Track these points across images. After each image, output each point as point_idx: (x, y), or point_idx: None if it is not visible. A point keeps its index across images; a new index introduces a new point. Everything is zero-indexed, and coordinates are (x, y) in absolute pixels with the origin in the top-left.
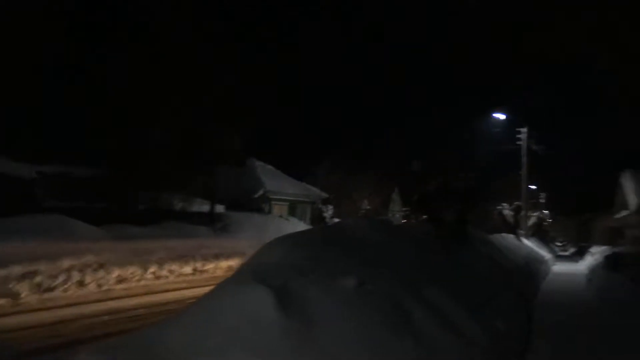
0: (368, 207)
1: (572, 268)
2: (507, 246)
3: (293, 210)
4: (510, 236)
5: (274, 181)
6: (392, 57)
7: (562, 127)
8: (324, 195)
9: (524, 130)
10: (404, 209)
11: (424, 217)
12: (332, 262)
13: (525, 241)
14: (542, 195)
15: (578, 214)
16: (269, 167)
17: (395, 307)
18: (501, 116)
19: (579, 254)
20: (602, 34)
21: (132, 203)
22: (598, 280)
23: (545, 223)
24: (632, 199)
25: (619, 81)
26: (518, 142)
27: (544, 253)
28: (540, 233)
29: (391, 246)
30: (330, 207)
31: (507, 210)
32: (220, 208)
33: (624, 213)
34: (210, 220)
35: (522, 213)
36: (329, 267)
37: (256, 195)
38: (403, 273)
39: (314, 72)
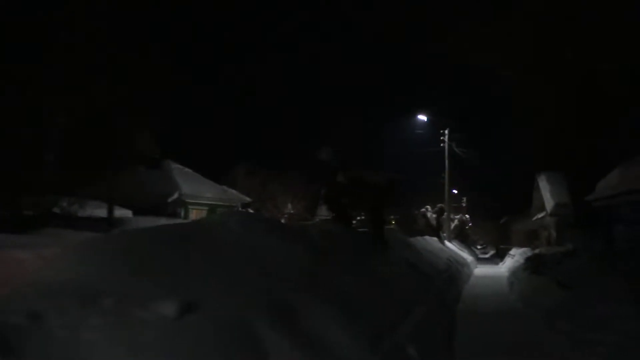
0: (292, 211)
1: (493, 270)
2: (429, 249)
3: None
4: (434, 239)
5: (191, 184)
6: (321, 58)
7: (483, 130)
8: (246, 199)
9: (447, 132)
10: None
11: (334, 215)
12: (156, 276)
13: (448, 244)
14: (464, 199)
15: (498, 217)
16: (187, 170)
17: (242, 344)
18: (424, 118)
19: (499, 256)
20: (502, 44)
21: (12, 208)
22: (520, 284)
23: (467, 226)
24: (548, 201)
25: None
26: (442, 144)
27: (466, 256)
28: (462, 236)
29: (269, 252)
30: (251, 211)
31: (430, 213)
32: (127, 213)
33: (540, 215)
34: (108, 226)
35: (445, 215)
36: (145, 285)
37: (171, 199)
38: (275, 290)
39: (238, 71)
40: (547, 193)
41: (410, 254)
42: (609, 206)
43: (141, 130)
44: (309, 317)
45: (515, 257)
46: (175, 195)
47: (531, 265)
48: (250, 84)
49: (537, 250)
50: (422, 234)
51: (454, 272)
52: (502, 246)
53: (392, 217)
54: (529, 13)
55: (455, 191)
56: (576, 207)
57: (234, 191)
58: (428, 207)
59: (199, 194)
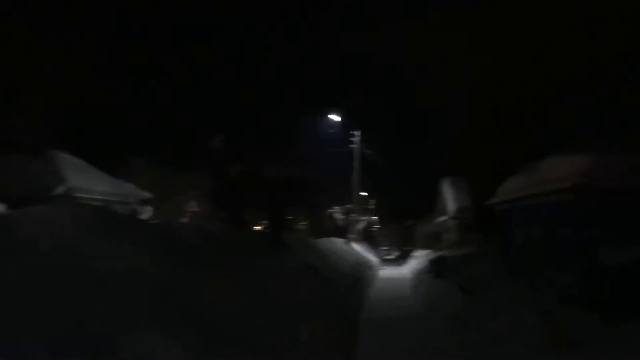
0: (196, 210)
1: (397, 272)
2: (334, 251)
3: None
4: (340, 240)
5: (81, 177)
6: (236, 57)
7: (393, 134)
8: (146, 195)
9: (358, 133)
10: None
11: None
12: None
13: (355, 246)
14: (372, 201)
15: (405, 219)
16: (78, 160)
17: None
18: (336, 118)
19: (403, 257)
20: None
21: None
22: (424, 287)
23: (374, 228)
24: (450, 205)
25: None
26: (351, 146)
27: (372, 257)
28: (369, 238)
29: (105, 260)
30: (149, 208)
31: (338, 214)
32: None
33: (443, 218)
34: None
35: (353, 217)
36: None
37: (54, 193)
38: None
39: (153, 60)
40: (450, 197)
41: (312, 257)
42: (508, 210)
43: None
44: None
45: (418, 259)
46: (61, 189)
47: (434, 268)
48: (165, 74)
49: (439, 253)
50: (330, 236)
51: (358, 275)
52: (406, 248)
53: (302, 218)
54: (442, 21)
55: (364, 193)
56: (477, 211)
57: (131, 186)
58: (336, 208)
59: (89, 188)
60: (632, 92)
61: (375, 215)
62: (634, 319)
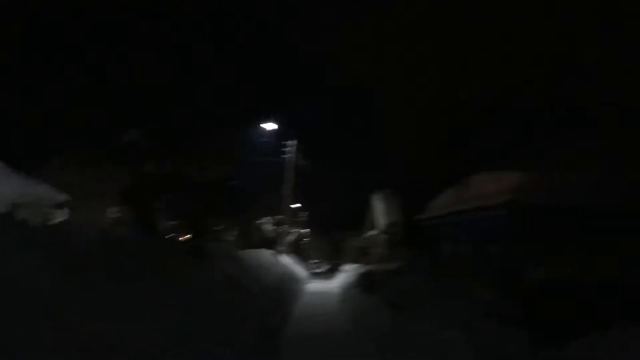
0: (119, 214)
1: (325, 286)
2: (261, 264)
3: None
4: (268, 252)
5: None
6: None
7: (328, 147)
8: (60, 197)
9: (293, 143)
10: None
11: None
12: None
13: (284, 258)
14: (305, 213)
15: (336, 232)
16: None
17: None
18: (272, 126)
19: (332, 271)
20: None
21: None
22: (352, 302)
23: (305, 240)
24: (381, 219)
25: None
26: (284, 156)
27: (301, 271)
28: (299, 250)
29: None
30: (66, 211)
31: (267, 225)
32: None
33: (373, 232)
34: None
35: (283, 228)
36: None
37: None
38: None
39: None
40: (380, 211)
41: (237, 269)
42: (438, 225)
43: None
44: None
45: (347, 273)
46: None
47: (363, 283)
48: (98, 73)
49: (368, 267)
50: (260, 247)
51: (285, 289)
52: (335, 262)
53: (231, 228)
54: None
55: (298, 205)
56: (408, 226)
57: (46, 187)
58: (267, 218)
59: None
60: (565, 110)
61: (307, 228)
62: (560, 336)
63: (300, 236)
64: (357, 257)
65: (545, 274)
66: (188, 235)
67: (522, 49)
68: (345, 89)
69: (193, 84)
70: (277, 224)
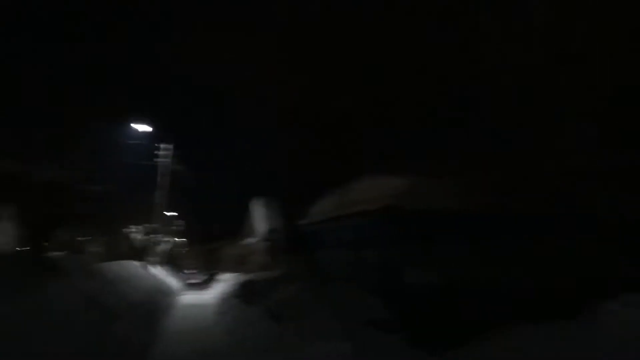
0: None
1: (202, 298)
2: (127, 277)
3: None
4: (135, 264)
5: None
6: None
7: (206, 152)
8: None
9: (168, 147)
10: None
11: None
12: None
13: (154, 270)
14: (180, 222)
15: (214, 241)
16: None
17: None
18: (144, 128)
19: (209, 281)
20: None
21: None
22: (231, 314)
23: (179, 250)
24: (260, 226)
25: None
26: (157, 160)
27: (174, 282)
28: (173, 261)
29: None
30: None
31: (137, 234)
32: None
33: (252, 239)
34: None
35: (155, 238)
36: None
37: None
38: None
39: None
40: (260, 217)
41: (94, 285)
42: (318, 231)
43: None
44: None
45: (225, 282)
46: None
47: (242, 292)
48: None
49: (248, 276)
50: (128, 258)
51: (154, 304)
52: (212, 271)
53: (98, 238)
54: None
55: (173, 213)
56: (289, 232)
57: None
58: (136, 227)
59: None
60: (450, 117)
61: (183, 237)
62: (439, 341)
63: (176, 246)
64: (236, 266)
65: (423, 278)
66: (28, 247)
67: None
68: (221, 93)
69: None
70: (149, 232)
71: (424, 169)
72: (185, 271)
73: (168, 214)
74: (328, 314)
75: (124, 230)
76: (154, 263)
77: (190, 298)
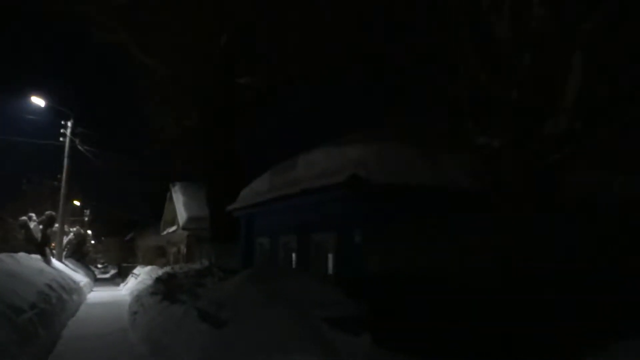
0: None
1: (113, 294)
2: (17, 273)
3: None
4: (33, 257)
5: None
6: None
7: (121, 133)
8: None
9: (69, 123)
10: None
11: None
12: None
13: (57, 263)
14: (87, 212)
15: (126, 232)
16: None
17: None
18: (41, 102)
19: (121, 275)
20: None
21: None
22: (148, 315)
23: (87, 242)
24: (181, 214)
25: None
26: (61, 139)
27: (81, 277)
28: (79, 253)
29: None
30: None
31: (34, 223)
32: None
33: (171, 229)
34: None
35: (57, 227)
36: None
37: None
38: None
39: None
40: (180, 205)
41: None
42: (251, 216)
43: None
44: None
45: (140, 276)
46: None
47: (162, 288)
48: None
49: (167, 269)
50: (24, 250)
51: (52, 305)
52: (125, 264)
53: None
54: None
55: (77, 203)
56: (214, 220)
57: None
58: (32, 215)
59: None
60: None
61: (90, 227)
62: (403, 335)
63: (82, 237)
64: (152, 258)
65: (387, 264)
66: None
67: None
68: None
69: None
70: (47, 221)
71: (385, 135)
72: (97, 265)
73: (76, 203)
74: (280, 314)
75: (21, 218)
76: (56, 256)
77: (100, 295)
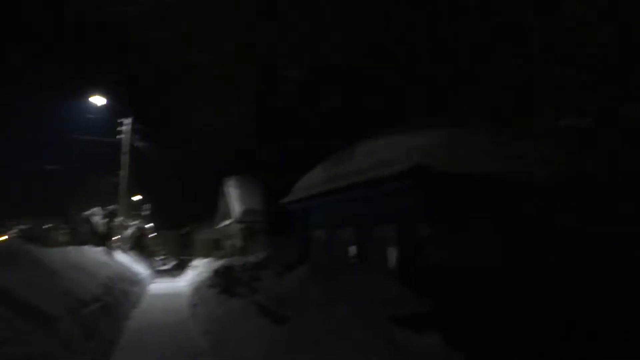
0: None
1: (173, 286)
2: (80, 266)
3: None
4: (96, 250)
5: None
6: None
7: (177, 129)
8: None
9: (128, 121)
10: None
11: None
12: None
13: (120, 256)
14: (147, 206)
15: (184, 225)
16: None
17: None
18: (101, 101)
19: (180, 267)
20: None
21: None
22: (207, 308)
23: (147, 235)
24: (236, 207)
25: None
26: (120, 136)
27: (142, 269)
28: (140, 246)
29: None
30: None
31: (97, 217)
32: None
33: (226, 222)
34: None
35: (119, 221)
36: None
37: None
38: None
39: None
40: (234, 198)
41: (25, 277)
42: (306, 209)
43: None
44: None
45: (198, 268)
46: None
47: (221, 280)
48: None
49: (224, 261)
50: (88, 243)
51: (114, 297)
52: (183, 257)
53: (62, 224)
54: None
55: (138, 197)
56: (269, 212)
57: None
58: (96, 209)
59: None
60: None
61: (150, 221)
62: (474, 336)
63: (142, 230)
64: (209, 251)
65: (457, 260)
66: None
67: None
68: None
69: None
70: (110, 214)
71: (450, 120)
72: (157, 257)
73: (135, 198)
74: (344, 311)
75: (84, 214)
76: (118, 249)
77: (160, 286)
